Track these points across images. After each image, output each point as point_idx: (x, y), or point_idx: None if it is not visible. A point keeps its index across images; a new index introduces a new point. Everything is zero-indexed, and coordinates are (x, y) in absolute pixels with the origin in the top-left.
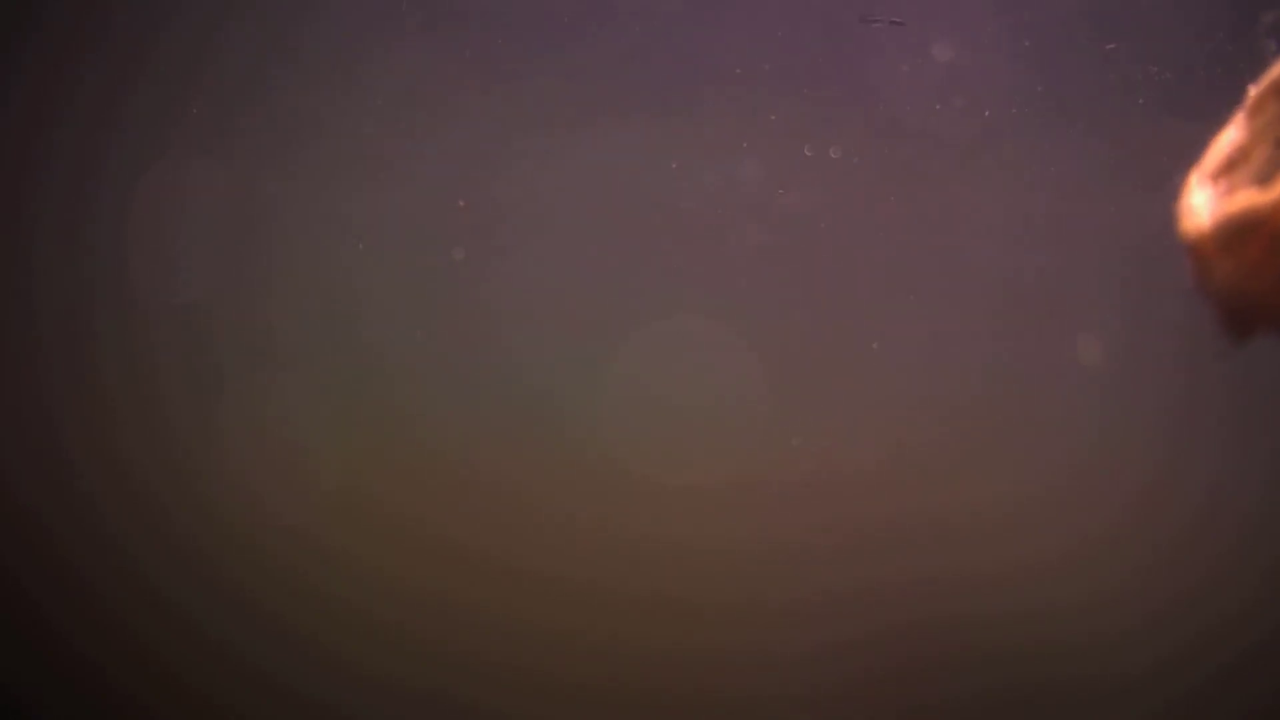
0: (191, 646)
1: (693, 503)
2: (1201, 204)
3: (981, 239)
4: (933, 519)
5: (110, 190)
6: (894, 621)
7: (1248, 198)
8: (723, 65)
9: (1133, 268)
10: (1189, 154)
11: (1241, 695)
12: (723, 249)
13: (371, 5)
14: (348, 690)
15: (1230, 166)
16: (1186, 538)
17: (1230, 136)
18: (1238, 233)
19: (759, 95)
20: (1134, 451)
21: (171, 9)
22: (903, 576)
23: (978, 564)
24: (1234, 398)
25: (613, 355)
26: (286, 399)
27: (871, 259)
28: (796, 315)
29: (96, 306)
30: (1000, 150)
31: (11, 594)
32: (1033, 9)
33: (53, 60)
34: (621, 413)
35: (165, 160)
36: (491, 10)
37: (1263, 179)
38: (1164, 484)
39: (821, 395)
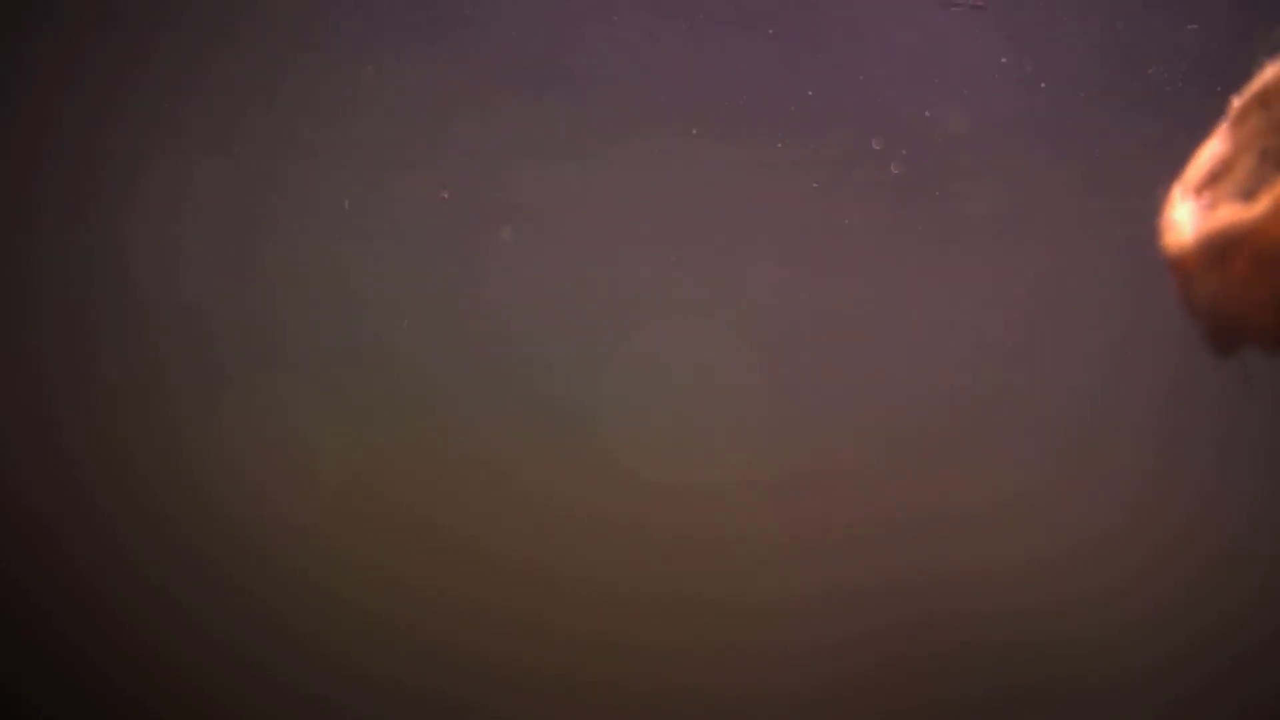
0: (196, 644)
1: (697, 500)
2: (1184, 219)
3: (980, 243)
4: (932, 519)
5: (114, 190)
6: (893, 620)
7: (1231, 214)
8: (725, 77)
9: (1129, 269)
10: (1174, 164)
11: (1240, 694)
12: (725, 251)
13: (382, 9)
14: (352, 687)
15: (1214, 179)
16: (1184, 537)
17: (1214, 149)
18: (1221, 249)
19: (761, 103)
20: (1131, 452)
21: (177, 8)
22: (902, 575)
23: (977, 563)
24: (1230, 399)
25: (616, 355)
26: (293, 398)
27: (872, 262)
28: (797, 318)
29: (101, 305)
30: (1000, 158)
31: (15, 592)
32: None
33: (55, 61)
34: (624, 412)
35: (169, 159)
36: (498, 22)
37: (1246, 192)
38: (1161, 484)
39: (822, 396)
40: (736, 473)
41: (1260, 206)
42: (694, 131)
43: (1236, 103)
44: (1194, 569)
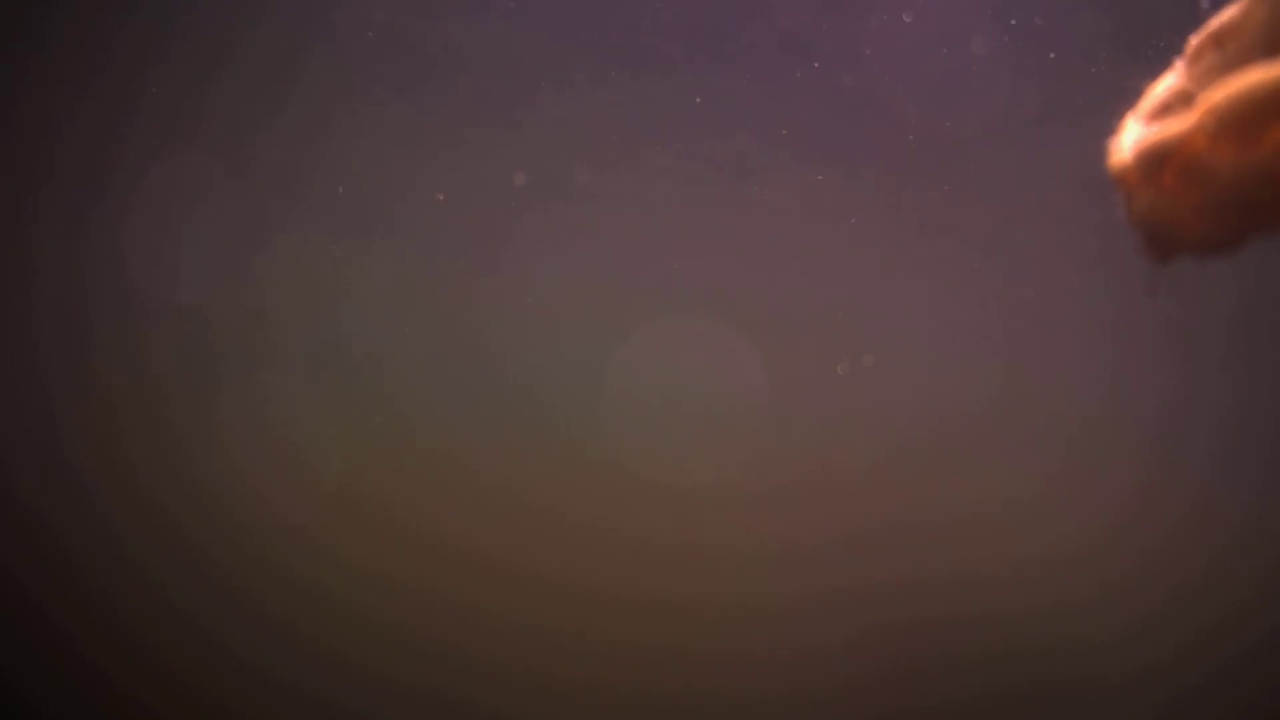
0: (193, 644)
1: (693, 503)
2: (1128, 139)
3: (978, 245)
4: (931, 520)
5: (116, 193)
6: (894, 622)
7: (1161, 129)
8: (721, 75)
9: (1126, 271)
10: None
11: (1237, 694)
12: (723, 253)
13: (378, 21)
14: (347, 688)
15: (1166, 111)
16: (1183, 539)
17: (1169, 83)
18: (1154, 162)
19: (760, 102)
20: (1129, 454)
21: (183, 16)
22: (901, 576)
23: (976, 565)
24: (1227, 402)
25: (610, 357)
26: (288, 401)
27: (872, 264)
28: (796, 320)
29: (99, 308)
30: (995, 159)
31: (14, 592)
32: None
33: (57, 66)
34: (618, 414)
35: (171, 164)
36: (498, 27)
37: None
38: (1159, 485)
39: (821, 397)
40: (735, 477)
41: (1188, 120)
42: (694, 123)
43: (1194, 41)
44: (1193, 570)
